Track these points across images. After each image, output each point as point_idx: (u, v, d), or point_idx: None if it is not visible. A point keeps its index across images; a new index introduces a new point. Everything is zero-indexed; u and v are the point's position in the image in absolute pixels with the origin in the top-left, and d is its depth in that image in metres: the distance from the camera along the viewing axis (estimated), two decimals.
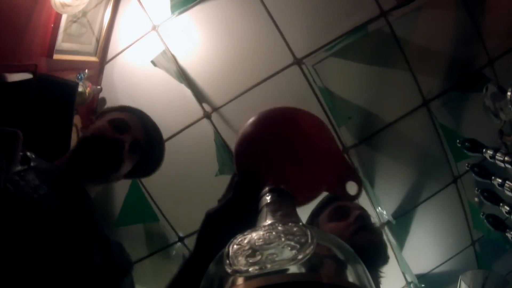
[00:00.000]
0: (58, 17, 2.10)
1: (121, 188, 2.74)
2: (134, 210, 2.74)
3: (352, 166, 0.69)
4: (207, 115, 2.69)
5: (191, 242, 2.83)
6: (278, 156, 0.64)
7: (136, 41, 2.67)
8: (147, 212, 2.75)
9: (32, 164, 1.10)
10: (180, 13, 2.59)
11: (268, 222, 0.45)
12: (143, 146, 1.34)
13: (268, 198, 0.55)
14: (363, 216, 1.38)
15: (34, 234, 0.95)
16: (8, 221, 0.92)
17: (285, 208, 0.51)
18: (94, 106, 2.72)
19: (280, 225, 0.43)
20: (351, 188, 0.67)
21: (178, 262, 2.86)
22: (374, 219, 2.74)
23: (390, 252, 2.76)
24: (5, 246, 0.90)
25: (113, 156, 1.24)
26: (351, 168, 0.68)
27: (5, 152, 0.78)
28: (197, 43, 2.66)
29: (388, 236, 2.81)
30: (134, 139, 1.30)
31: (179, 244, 2.85)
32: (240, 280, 0.37)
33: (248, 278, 0.36)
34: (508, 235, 2.33)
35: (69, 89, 2.20)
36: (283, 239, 0.40)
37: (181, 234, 2.83)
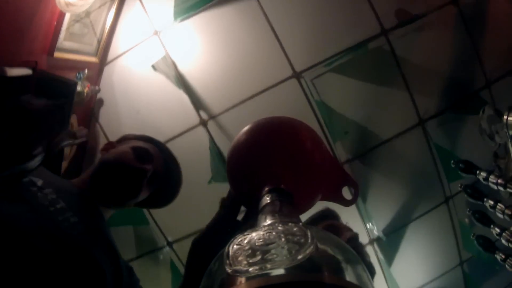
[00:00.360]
0: (62, 15, 2.11)
1: None
2: (125, 211, 2.73)
3: (345, 171, 0.69)
4: (203, 123, 2.69)
5: (179, 247, 2.82)
6: (272, 162, 0.63)
7: (137, 44, 2.67)
8: (137, 215, 2.74)
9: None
10: (182, 20, 2.60)
11: (268, 222, 0.45)
12: (161, 179, 1.35)
13: (267, 198, 0.55)
14: (354, 238, 1.40)
15: (48, 246, 0.94)
16: (21, 229, 0.92)
17: (285, 208, 0.51)
18: (92, 106, 2.72)
19: (280, 225, 0.43)
20: (347, 194, 0.68)
21: (165, 266, 2.85)
22: (364, 235, 2.76)
23: (378, 268, 2.77)
24: (17, 255, 0.89)
25: (135, 184, 1.26)
26: (346, 173, 0.68)
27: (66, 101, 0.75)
28: (197, 51, 2.67)
29: (377, 253, 2.81)
30: (155, 171, 1.31)
31: (167, 248, 2.84)
32: (240, 280, 0.37)
33: (248, 278, 0.36)
34: (498, 256, 2.33)
35: (68, 87, 2.19)
36: (283, 239, 0.40)
37: (170, 239, 2.82)
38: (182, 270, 2.81)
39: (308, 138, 0.67)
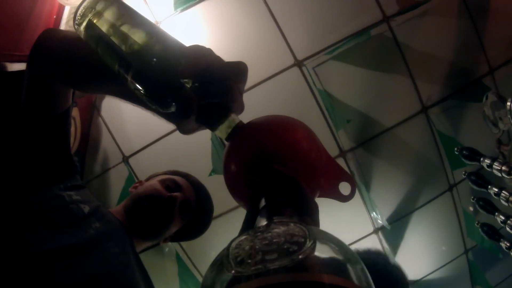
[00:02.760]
0: (61, 9, 2.10)
1: (117, 181, 2.74)
2: None
3: (341, 167, 0.69)
4: None
5: None
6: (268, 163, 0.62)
7: None
8: None
9: None
10: (182, 10, 2.59)
11: (268, 222, 0.45)
12: (192, 208, 1.42)
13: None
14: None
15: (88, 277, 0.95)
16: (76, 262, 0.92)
17: (285, 208, 0.51)
18: (93, 99, 2.71)
19: (281, 225, 0.43)
20: (344, 190, 0.68)
21: (171, 258, 2.86)
22: (369, 224, 2.76)
23: None
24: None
25: (166, 212, 1.33)
26: (342, 169, 0.68)
27: None
28: (198, 41, 2.64)
29: (382, 242, 2.82)
30: (185, 199, 1.38)
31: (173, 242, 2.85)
32: (240, 281, 0.36)
33: (248, 278, 0.36)
34: (502, 244, 2.33)
35: None
36: (283, 239, 0.40)
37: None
38: (187, 262, 2.82)
39: (304, 137, 0.66)
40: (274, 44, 2.58)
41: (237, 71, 0.66)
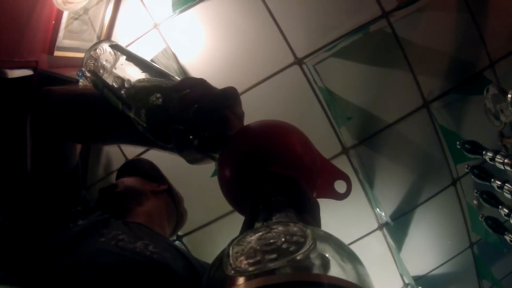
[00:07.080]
0: (60, 14, 2.10)
1: None
2: None
3: (336, 166, 0.69)
4: None
5: (189, 240, 2.84)
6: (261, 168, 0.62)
7: (137, 39, 2.66)
8: None
9: None
10: (181, 11, 2.59)
11: (268, 221, 0.45)
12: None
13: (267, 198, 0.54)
14: None
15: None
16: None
17: (284, 208, 0.51)
18: None
19: (280, 225, 0.42)
20: (341, 188, 0.68)
21: None
22: (373, 220, 2.76)
23: (388, 253, 2.77)
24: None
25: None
26: (336, 168, 0.68)
27: None
28: (198, 42, 2.65)
29: (386, 238, 2.81)
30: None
31: (177, 242, 2.85)
32: (240, 280, 0.36)
33: (248, 278, 0.36)
34: (507, 237, 2.32)
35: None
36: (283, 239, 0.39)
37: (179, 233, 2.83)
38: None
39: (298, 139, 0.66)
40: (274, 43, 2.58)
41: (227, 97, 0.67)
